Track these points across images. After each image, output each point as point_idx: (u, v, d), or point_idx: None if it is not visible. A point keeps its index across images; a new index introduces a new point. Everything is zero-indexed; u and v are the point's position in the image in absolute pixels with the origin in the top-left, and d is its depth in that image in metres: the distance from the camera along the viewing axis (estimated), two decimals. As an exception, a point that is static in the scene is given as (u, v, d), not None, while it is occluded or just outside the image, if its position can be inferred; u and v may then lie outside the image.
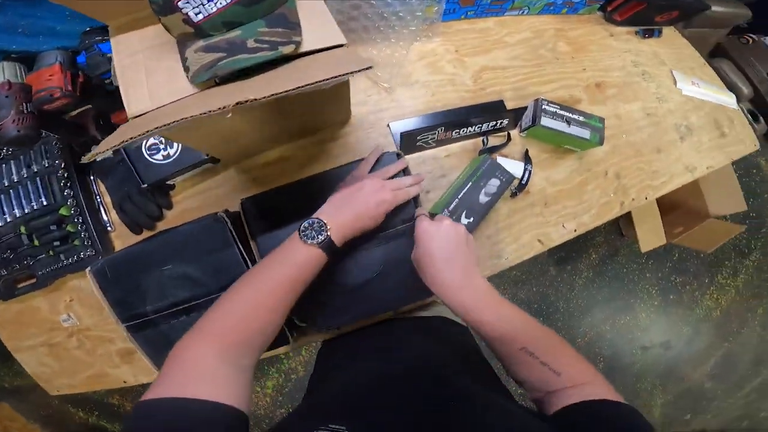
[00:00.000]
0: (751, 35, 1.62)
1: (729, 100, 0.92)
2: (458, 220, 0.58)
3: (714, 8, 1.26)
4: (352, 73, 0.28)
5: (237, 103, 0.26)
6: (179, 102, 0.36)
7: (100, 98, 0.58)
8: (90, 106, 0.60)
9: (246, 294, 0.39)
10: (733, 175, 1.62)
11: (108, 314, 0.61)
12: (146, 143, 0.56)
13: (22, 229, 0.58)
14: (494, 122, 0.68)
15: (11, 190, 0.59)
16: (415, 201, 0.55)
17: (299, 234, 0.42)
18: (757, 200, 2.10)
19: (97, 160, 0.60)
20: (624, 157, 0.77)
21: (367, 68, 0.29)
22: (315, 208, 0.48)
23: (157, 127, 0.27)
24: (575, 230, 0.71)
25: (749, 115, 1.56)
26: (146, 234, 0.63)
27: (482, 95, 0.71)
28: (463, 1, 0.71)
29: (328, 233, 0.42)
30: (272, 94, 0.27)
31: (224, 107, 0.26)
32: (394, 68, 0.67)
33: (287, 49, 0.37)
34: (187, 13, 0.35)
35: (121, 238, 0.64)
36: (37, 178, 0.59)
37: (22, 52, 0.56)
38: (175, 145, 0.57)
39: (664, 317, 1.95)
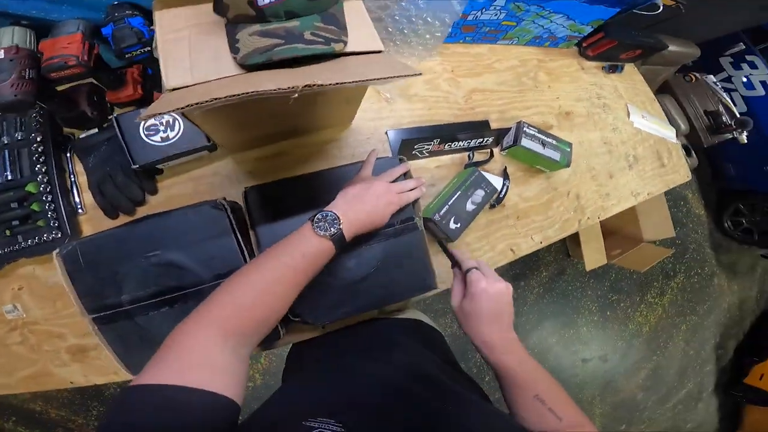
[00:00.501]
0: (695, 73, 1.82)
1: (670, 134, 1.07)
2: (447, 224, 0.62)
3: (670, 48, 1.36)
4: (405, 76, 0.30)
5: (305, 86, 0.28)
6: (223, 80, 0.36)
7: (105, 74, 0.56)
8: (88, 80, 0.57)
9: (254, 280, 0.39)
10: (665, 204, 1.86)
11: (60, 307, 0.58)
12: (145, 124, 0.54)
13: None
14: (480, 139, 0.74)
15: None
16: (413, 204, 0.57)
17: (312, 224, 0.42)
18: (683, 229, 2.42)
19: (82, 137, 0.58)
20: (583, 180, 0.87)
21: (417, 74, 0.32)
22: (317, 205, 0.49)
23: (225, 97, 0.28)
24: (541, 242, 0.78)
25: (684, 150, 1.80)
26: (120, 220, 0.59)
27: (471, 114, 0.77)
28: (465, 28, 0.77)
29: (341, 226, 0.43)
30: (337, 83, 0.28)
31: (293, 87, 0.27)
32: (398, 80, 0.71)
33: (338, 47, 0.38)
34: None
35: (92, 222, 0.59)
36: (5, 150, 0.53)
37: (39, 20, 0.52)
38: (176, 128, 0.55)
39: (602, 332, 2.15)
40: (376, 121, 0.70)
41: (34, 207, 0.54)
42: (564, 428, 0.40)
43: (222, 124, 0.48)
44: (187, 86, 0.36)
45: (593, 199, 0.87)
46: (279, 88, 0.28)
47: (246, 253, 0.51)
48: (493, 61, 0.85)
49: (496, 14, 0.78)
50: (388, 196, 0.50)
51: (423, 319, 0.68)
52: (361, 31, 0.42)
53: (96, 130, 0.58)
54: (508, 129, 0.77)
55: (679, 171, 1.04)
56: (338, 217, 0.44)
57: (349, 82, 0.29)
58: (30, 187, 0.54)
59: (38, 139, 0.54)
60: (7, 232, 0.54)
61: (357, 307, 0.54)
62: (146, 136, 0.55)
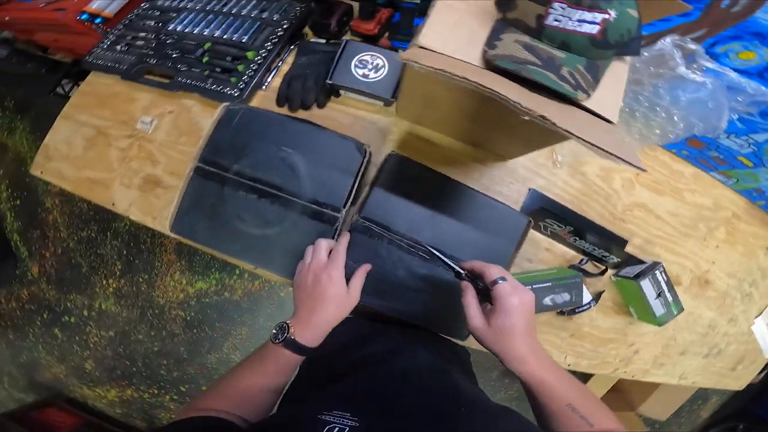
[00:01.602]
0: None
1: None
2: None
3: None
4: (630, 164, 0.30)
5: (541, 116, 0.29)
6: (465, 64, 0.37)
7: (369, 3, 0.61)
8: (350, 3, 0.62)
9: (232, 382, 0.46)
10: (688, 394, 1.69)
11: (183, 142, 0.64)
12: (359, 57, 0.58)
13: (206, 45, 0.62)
14: (606, 253, 0.70)
15: (230, 18, 0.63)
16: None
17: (271, 336, 0.46)
18: (675, 418, 2.19)
19: (311, 41, 0.65)
20: (655, 344, 0.81)
21: (642, 170, 0.31)
22: (434, 207, 0.52)
23: (475, 82, 0.29)
24: (569, 364, 0.79)
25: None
26: (282, 111, 0.65)
27: (617, 225, 0.71)
28: (691, 141, 0.65)
29: (290, 334, 0.45)
30: (569, 131, 0.29)
31: (530, 109, 0.29)
32: (578, 149, 0.64)
33: (581, 96, 0.37)
34: (548, 13, 0.34)
35: (262, 99, 0.67)
36: (257, 23, 0.63)
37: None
38: (380, 73, 0.59)
39: None
40: (529, 173, 0.67)
41: (239, 67, 0.63)
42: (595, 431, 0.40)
43: (426, 95, 0.49)
44: (434, 51, 0.37)
45: (647, 362, 0.83)
46: (521, 104, 0.29)
47: (350, 199, 0.55)
48: (687, 189, 0.73)
49: (742, 146, 0.64)
50: (318, 276, 0.47)
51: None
52: (608, 93, 0.39)
53: (324, 41, 0.65)
54: (640, 263, 0.71)
55: (740, 380, 0.93)
56: (288, 326, 0.45)
57: (583, 139, 0.29)
58: (249, 54, 0.62)
59: (285, 26, 0.63)
60: (205, 72, 0.64)
61: (393, 307, 0.56)
62: (354, 66, 0.59)
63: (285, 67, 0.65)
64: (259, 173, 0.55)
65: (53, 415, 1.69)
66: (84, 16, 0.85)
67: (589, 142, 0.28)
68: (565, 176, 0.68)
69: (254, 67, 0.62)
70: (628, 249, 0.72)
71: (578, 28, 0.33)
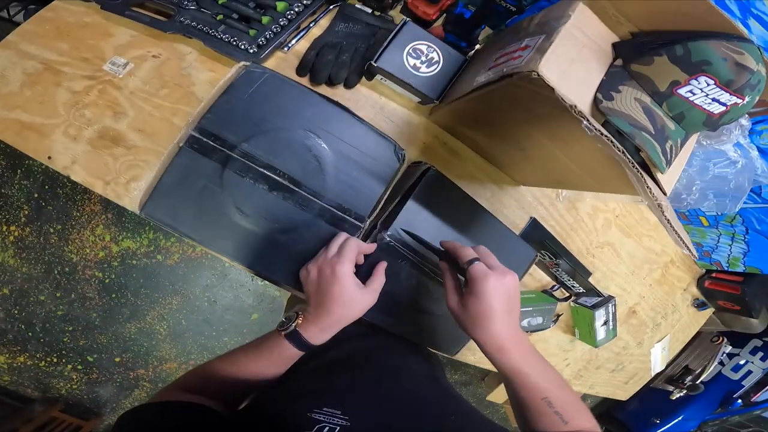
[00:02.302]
0: (724, 338, 1.83)
1: (658, 367, 1.15)
2: None
3: (758, 320, 1.21)
4: (681, 241, 0.31)
5: (659, 206, 0.29)
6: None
7: None
8: None
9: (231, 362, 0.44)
10: None
11: (162, 95, 0.52)
12: (415, 44, 0.52)
13: None
14: (574, 284, 0.77)
15: None
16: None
17: (278, 325, 0.44)
18: None
19: (356, 6, 0.56)
20: (582, 361, 0.95)
21: (689, 250, 0.32)
22: (454, 227, 0.52)
23: (589, 124, 0.29)
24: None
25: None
26: (297, 80, 0.55)
27: (587, 259, 0.79)
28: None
29: (294, 325, 0.42)
30: (668, 220, 0.29)
31: (654, 197, 0.29)
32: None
33: (665, 172, 0.36)
34: (687, 83, 0.32)
35: (280, 63, 0.56)
36: None
37: None
38: (432, 69, 0.53)
39: None
40: (534, 201, 0.70)
41: (264, 19, 0.52)
42: (570, 429, 0.39)
43: (480, 116, 0.47)
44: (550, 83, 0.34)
45: (572, 374, 0.97)
46: (648, 186, 0.29)
47: (378, 209, 0.50)
48: (647, 235, 0.85)
49: (710, 209, 0.74)
50: (322, 271, 0.44)
51: None
52: (674, 165, 0.39)
53: (370, 11, 0.56)
54: (599, 295, 0.80)
55: (627, 392, 1.14)
56: (297, 316, 0.43)
57: (677, 234, 0.30)
58: (279, 5, 0.51)
59: None
60: (219, 17, 0.51)
61: (389, 323, 0.54)
62: (406, 53, 0.52)
63: (316, 31, 0.56)
64: (275, 159, 0.46)
65: None
66: None
67: (678, 234, 0.29)
68: (563, 210, 0.72)
69: (283, 23, 0.52)
70: (591, 280, 0.81)
71: (706, 106, 0.33)
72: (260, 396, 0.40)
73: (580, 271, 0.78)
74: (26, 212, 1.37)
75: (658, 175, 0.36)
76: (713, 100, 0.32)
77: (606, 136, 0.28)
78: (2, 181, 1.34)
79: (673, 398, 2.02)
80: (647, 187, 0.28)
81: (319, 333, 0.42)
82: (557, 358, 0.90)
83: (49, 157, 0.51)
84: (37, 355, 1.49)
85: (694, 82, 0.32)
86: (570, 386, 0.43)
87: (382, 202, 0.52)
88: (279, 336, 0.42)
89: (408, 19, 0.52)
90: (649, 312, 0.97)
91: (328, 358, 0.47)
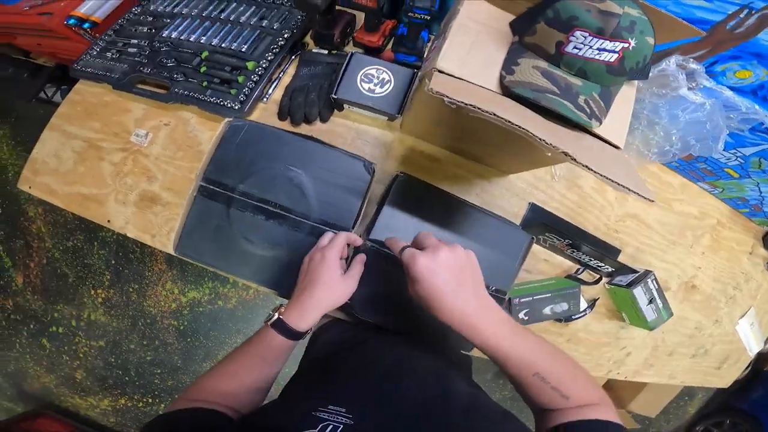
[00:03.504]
0: None
1: (755, 347, 0.98)
2: (518, 313, 0.65)
3: None
4: (639, 195, 0.31)
5: (564, 153, 0.29)
6: (484, 92, 0.37)
7: (374, 16, 0.60)
8: (353, 13, 0.61)
9: (228, 365, 0.45)
10: (676, 392, 1.76)
11: (180, 156, 0.62)
12: (365, 71, 0.58)
13: (204, 54, 0.60)
14: (601, 263, 0.72)
15: (228, 25, 0.61)
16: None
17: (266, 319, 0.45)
18: (664, 415, 2.26)
19: (313, 51, 0.63)
20: (645, 346, 0.85)
21: (650, 200, 0.31)
22: (441, 225, 0.52)
23: (504, 119, 0.30)
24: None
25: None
26: (282, 125, 0.63)
27: (611, 235, 0.74)
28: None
29: (279, 315, 0.44)
30: (589, 168, 0.30)
31: (554, 146, 0.29)
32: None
33: (594, 125, 0.38)
34: (568, 40, 0.34)
35: (263, 112, 0.65)
36: (257, 31, 0.61)
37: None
38: (386, 88, 0.58)
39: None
40: (529, 186, 0.69)
41: (240, 78, 0.61)
42: (570, 405, 0.37)
43: (437, 117, 0.49)
44: (452, 75, 0.37)
45: (638, 363, 0.86)
46: (546, 141, 0.29)
47: (359, 219, 0.55)
48: (676, 199, 0.76)
49: (729, 159, 0.67)
50: (313, 257, 0.47)
51: None
52: (615, 118, 0.40)
53: (326, 52, 0.64)
54: (633, 271, 0.74)
55: (725, 378, 0.98)
56: (279, 306, 0.45)
57: (600, 174, 0.29)
58: (249, 65, 0.61)
59: (286, 36, 0.61)
60: (204, 84, 0.62)
61: (389, 323, 0.57)
62: (360, 80, 0.58)
63: (286, 79, 0.64)
64: (266, 194, 0.55)
65: (45, 425, 1.65)
66: (71, 21, 0.82)
67: (606, 177, 0.29)
68: (563, 189, 0.70)
69: (255, 79, 0.61)
70: (621, 258, 0.75)
71: (597, 56, 0.34)
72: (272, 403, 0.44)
73: (602, 249, 0.73)
74: (108, 277, 1.66)
75: (597, 130, 0.36)
76: (599, 50, 0.32)
77: (470, 105, 0.29)
78: (84, 253, 1.65)
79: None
80: (540, 139, 0.28)
81: (299, 316, 0.44)
82: (612, 347, 0.82)
83: (109, 221, 0.64)
84: (135, 397, 1.74)
85: (572, 38, 0.33)
86: (564, 354, 0.40)
87: (368, 213, 0.57)
88: (265, 328, 0.44)
89: (353, 51, 0.58)
90: (714, 284, 0.85)
91: (331, 358, 0.48)
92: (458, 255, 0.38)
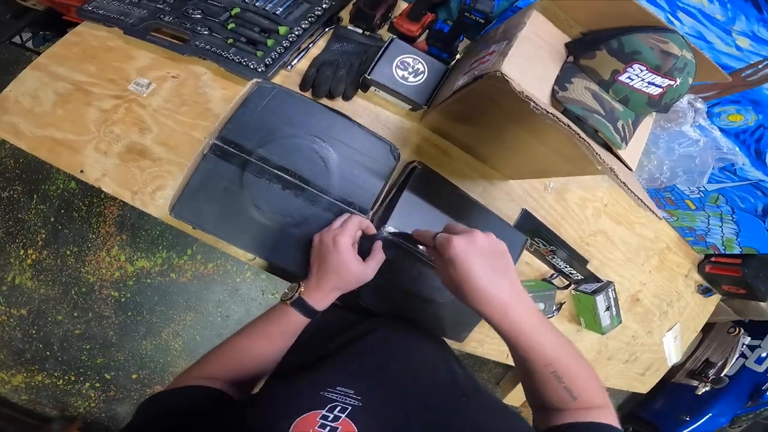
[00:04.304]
0: (741, 329, 1.85)
1: (674, 358, 1.15)
2: None
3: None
4: (647, 207, 0.35)
5: (611, 169, 0.33)
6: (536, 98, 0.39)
7: (422, 5, 0.61)
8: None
9: (238, 341, 0.45)
10: None
11: (183, 111, 0.58)
12: (402, 58, 0.58)
13: (235, 10, 0.56)
14: (572, 270, 0.80)
15: None
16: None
17: (281, 295, 0.47)
18: None
19: (348, 28, 0.63)
20: (592, 351, 0.96)
21: (657, 216, 0.36)
22: (449, 215, 0.55)
23: (565, 124, 0.33)
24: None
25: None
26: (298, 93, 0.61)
27: (582, 247, 0.82)
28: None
29: (299, 293, 0.45)
30: (623, 183, 0.34)
31: (605, 162, 0.33)
32: (566, 178, 0.73)
33: (622, 147, 0.41)
34: (625, 71, 0.37)
35: (284, 80, 0.63)
36: None
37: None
38: (418, 78, 0.59)
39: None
40: (524, 194, 0.74)
41: (269, 42, 0.58)
42: (576, 407, 0.38)
43: (467, 115, 0.51)
44: (512, 80, 0.38)
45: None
46: (601, 156, 0.33)
47: (379, 201, 0.56)
48: (638, 222, 0.88)
49: (692, 192, 0.78)
50: (324, 240, 0.48)
51: None
52: (633, 143, 0.44)
53: (360, 31, 0.63)
54: (598, 280, 0.83)
55: (646, 384, 1.14)
56: (299, 285, 0.47)
57: (635, 195, 0.34)
58: (282, 29, 0.58)
59: (324, 6, 0.59)
60: (229, 41, 0.58)
61: (401, 314, 0.59)
62: (395, 66, 0.59)
63: (314, 51, 0.62)
64: (286, 162, 0.52)
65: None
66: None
67: (636, 195, 0.34)
68: (552, 201, 0.76)
69: (285, 44, 0.58)
70: (589, 267, 0.84)
71: (644, 89, 0.38)
72: (272, 377, 0.43)
73: (576, 259, 0.81)
74: (43, 236, 1.44)
75: (620, 152, 0.41)
76: (649, 83, 0.37)
77: (552, 114, 0.32)
78: (19, 206, 1.42)
79: (699, 393, 1.97)
80: (596, 153, 0.32)
81: (321, 298, 0.46)
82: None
83: (82, 171, 0.57)
84: (55, 374, 1.52)
85: (630, 69, 0.37)
86: (581, 355, 0.40)
87: (381, 197, 0.57)
88: (284, 306, 0.45)
89: (395, 36, 0.58)
90: (653, 299, 0.99)
91: (339, 340, 0.48)
92: (493, 241, 0.39)
